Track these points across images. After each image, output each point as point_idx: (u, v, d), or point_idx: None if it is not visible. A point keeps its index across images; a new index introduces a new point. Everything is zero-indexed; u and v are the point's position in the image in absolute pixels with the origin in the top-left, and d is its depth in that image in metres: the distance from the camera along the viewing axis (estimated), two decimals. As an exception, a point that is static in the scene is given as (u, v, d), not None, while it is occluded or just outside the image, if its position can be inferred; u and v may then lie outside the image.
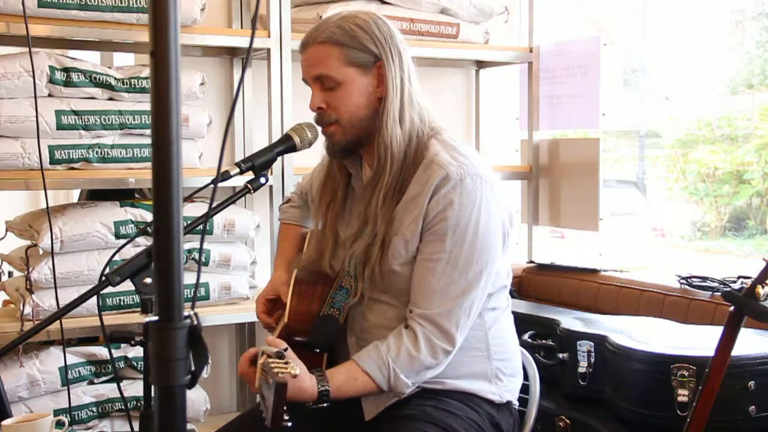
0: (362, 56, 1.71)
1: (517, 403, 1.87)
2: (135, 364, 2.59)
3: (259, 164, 1.74)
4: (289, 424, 1.36)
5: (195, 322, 0.90)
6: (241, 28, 3.02)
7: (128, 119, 2.53)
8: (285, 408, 1.35)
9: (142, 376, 2.57)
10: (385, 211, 1.71)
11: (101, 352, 2.58)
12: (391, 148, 1.71)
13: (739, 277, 2.47)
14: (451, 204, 1.66)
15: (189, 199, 2.59)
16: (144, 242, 2.54)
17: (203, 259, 2.66)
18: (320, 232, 1.85)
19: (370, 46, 1.71)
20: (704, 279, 2.56)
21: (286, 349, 1.49)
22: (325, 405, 1.63)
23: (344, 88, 1.72)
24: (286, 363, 1.43)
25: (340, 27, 1.72)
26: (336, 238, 1.83)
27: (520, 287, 3.13)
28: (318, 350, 1.76)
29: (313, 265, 1.86)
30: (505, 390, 1.82)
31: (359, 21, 1.73)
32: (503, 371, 1.81)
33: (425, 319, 1.68)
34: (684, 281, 2.58)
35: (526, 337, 2.43)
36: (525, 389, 1.93)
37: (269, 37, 2.74)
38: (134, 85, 2.54)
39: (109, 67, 2.56)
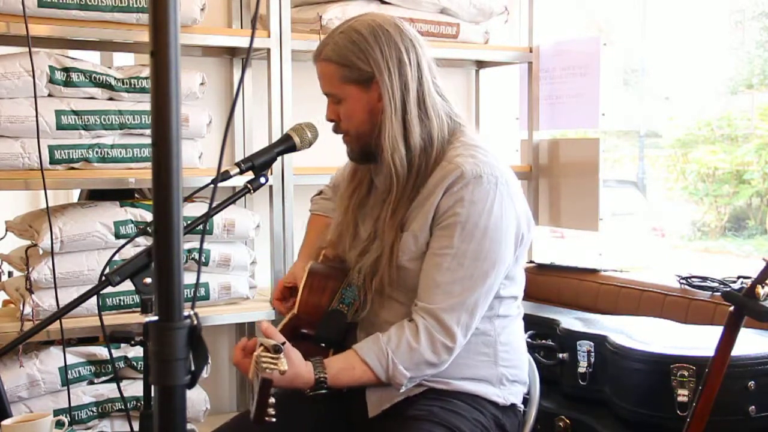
0: (357, 74, 1.72)
1: (522, 407, 1.87)
2: (135, 364, 2.59)
3: (259, 164, 1.74)
4: (274, 419, 1.37)
5: (195, 322, 0.90)
6: (241, 28, 3.02)
7: (128, 119, 2.53)
8: (272, 403, 1.36)
9: (142, 376, 2.57)
10: (392, 225, 1.72)
11: (101, 352, 2.57)
12: (394, 165, 1.71)
13: (739, 277, 2.48)
14: (462, 200, 1.66)
15: (189, 199, 2.59)
16: (144, 242, 2.54)
17: (203, 259, 2.66)
18: (343, 215, 1.87)
19: (363, 66, 1.71)
20: (704, 279, 2.56)
21: (284, 344, 1.50)
22: (323, 392, 1.64)
23: (346, 104, 1.75)
24: (277, 359, 1.43)
25: (336, 44, 1.72)
26: (356, 226, 1.85)
27: (520, 287, 3.12)
28: (323, 345, 1.77)
29: (332, 246, 1.87)
30: (509, 393, 1.82)
31: (355, 36, 1.72)
32: (508, 377, 1.81)
33: (428, 313, 1.68)
34: (684, 281, 2.58)
35: (526, 336, 2.43)
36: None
37: (269, 37, 2.73)
38: (134, 85, 2.54)
39: (109, 67, 2.56)
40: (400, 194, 1.72)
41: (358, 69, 1.71)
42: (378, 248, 1.73)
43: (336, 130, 1.82)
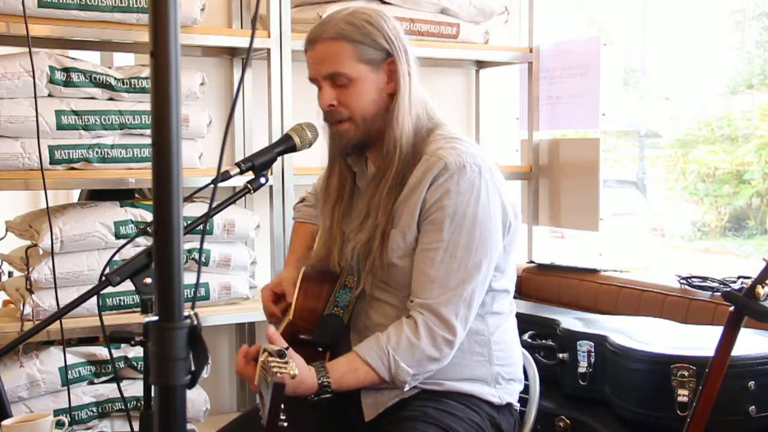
0: (374, 53, 1.70)
1: (517, 405, 1.86)
2: (135, 364, 2.59)
3: (259, 164, 1.74)
4: (285, 424, 1.36)
5: (195, 322, 0.90)
6: (241, 28, 3.02)
7: (128, 119, 2.53)
8: (282, 408, 1.35)
9: (142, 376, 2.57)
10: (386, 205, 1.71)
11: (101, 352, 2.58)
12: (401, 142, 1.71)
13: (739, 277, 2.47)
14: (448, 192, 1.66)
15: (189, 199, 2.59)
16: (144, 242, 2.54)
17: (203, 259, 2.66)
18: (328, 231, 1.85)
19: (382, 42, 1.71)
20: (704, 279, 2.55)
21: (287, 348, 1.49)
22: (327, 396, 1.63)
23: (356, 84, 1.70)
24: (286, 363, 1.42)
25: (350, 23, 1.69)
26: (343, 236, 1.83)
27: (520, 287, 3.12)
28: (321, 349, 1.76)
29: (321, 263, 1.85)
30: (505, 392, 1.81)
31: (368, 17, 1.71)
32: (503, 376, 1.81)
33: (425, 308, 1.67)
34: (684, 281, 2.58)
35: (526, 337, 2.43)
36: (525, 389, 1.93)
37: (269, 37, 2.73)
38: (134, 85, 2.54)
39: (109, 67, 2.56)
40: (395, 173, 1.71)
41: (377, 46, 1.70)
42: (371, 226, 1.72)
43: (333, 117, 1.74)
